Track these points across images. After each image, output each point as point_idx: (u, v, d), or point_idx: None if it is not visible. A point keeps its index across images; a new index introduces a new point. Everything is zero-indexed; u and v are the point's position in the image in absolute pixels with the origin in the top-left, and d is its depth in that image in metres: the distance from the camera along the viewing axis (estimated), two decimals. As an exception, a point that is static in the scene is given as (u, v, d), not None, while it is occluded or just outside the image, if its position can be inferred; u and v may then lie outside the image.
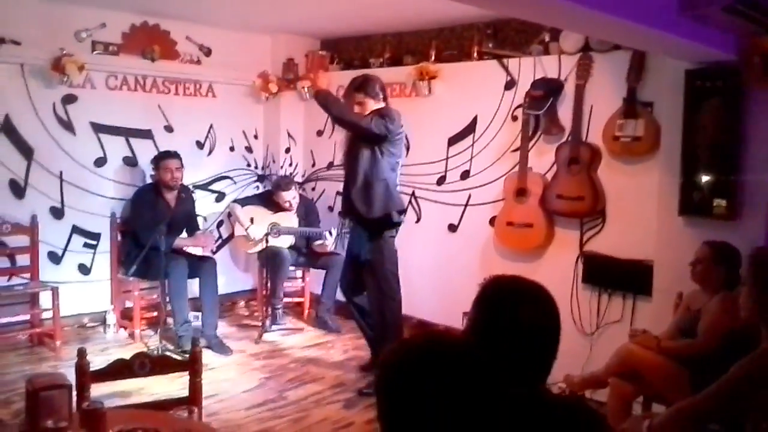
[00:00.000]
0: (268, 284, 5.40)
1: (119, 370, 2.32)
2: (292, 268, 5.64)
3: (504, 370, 1.26)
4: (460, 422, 1.13)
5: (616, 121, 4.03)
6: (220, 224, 6.03)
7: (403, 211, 4.28)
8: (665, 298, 3.68)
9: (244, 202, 5.71)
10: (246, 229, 5.48)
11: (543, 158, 4.49)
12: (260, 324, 5.34)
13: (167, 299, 4.81)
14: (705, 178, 3.58)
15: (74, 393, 2.01)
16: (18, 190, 4.85)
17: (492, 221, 4.80)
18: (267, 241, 5.30)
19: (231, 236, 6.01)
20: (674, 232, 3.70)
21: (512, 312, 1.42)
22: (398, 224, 4.28)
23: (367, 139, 4.09)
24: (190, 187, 5.21)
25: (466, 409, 1.14)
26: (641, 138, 3.95)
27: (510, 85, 4.73)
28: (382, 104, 4.20)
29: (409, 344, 1.23)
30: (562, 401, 1.82)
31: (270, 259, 5.33)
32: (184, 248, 5.07)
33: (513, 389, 1.32)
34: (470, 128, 4.99)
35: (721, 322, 3.11)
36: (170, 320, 4.91)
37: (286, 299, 5.67)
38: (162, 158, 5.03)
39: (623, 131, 4.00)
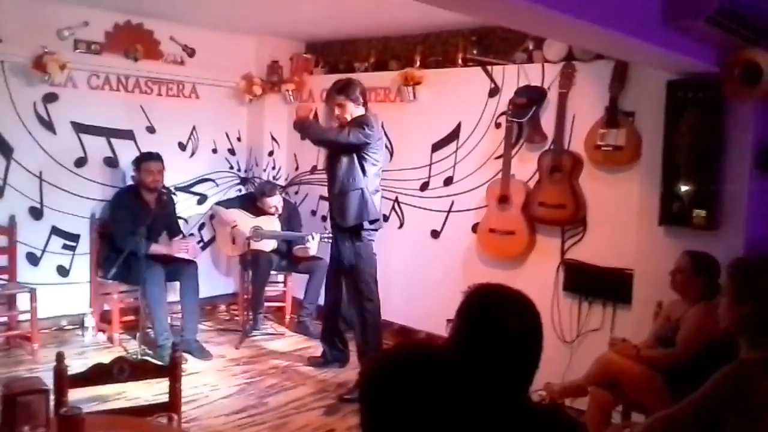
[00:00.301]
0: (250, 288, 5.37)
1: (98, 374, 2.29)
2: (273, 272, 5.61)
3: (488, 379, 1.26)
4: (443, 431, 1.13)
5: (598, 130, 4.06)
6: (201, 227, 5.99)
7: (375, 221, 4.33)
8: (645, 307, 3.70)
9: (226, 204, 5.68)
10: (232, 228, 5.43)
11: (526, 166, 4.51)
12: (241, 329, 5.30)
13: (146, 306, 4.75)
14: (685, 188, 3.60)
15: (52, 398, 1.98)
16: (-4, 189, 4.79)
17: (474, 228, 4.82)
18: (249, 245, 5.26)
19: (212, 239, 5.97)
20: (654, 241, 3.73)
21: (496, 321, 1.42)
22: (375, 229, 4.34)
23: (349, 150, 4.16)
24: (172, 188, 5.16)
25: (449, 418, 1.14)
26: (623, 147, 3.98)
27: (494, 92, 4.75)
28: (361, 109, 4.26)
29: (392, 354, 1.23)
30: (543, 410, 1.83)
31: (251, 263, 5.30)
32: (172, 254, 4.99)
33: (496, 398, 1.32)
34: (454, 134, 5.00)
35: (700, 332, 3.13)
36: (149, 323, 4.86)
37: (267, 304, 5.64)
38: (143, 160, 4.98)
39: (605, 140, 4.03)
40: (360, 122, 4.16)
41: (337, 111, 4.21)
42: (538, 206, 4.33)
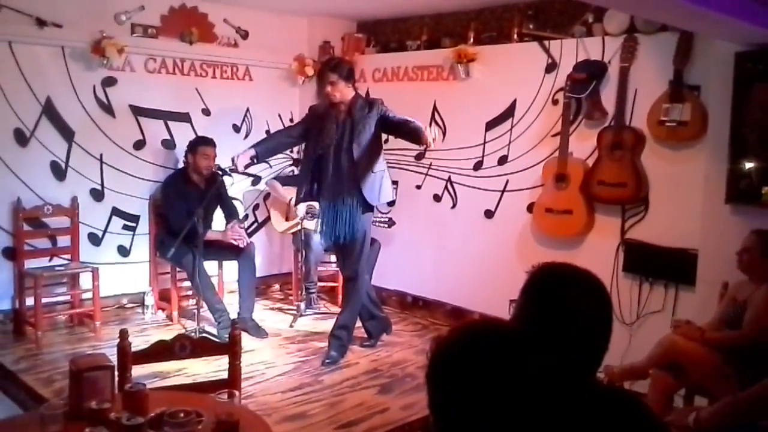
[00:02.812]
0: (303, 268, 5.41)
1: (160, 351, 2.33)
2: (326, 252, 5.63)
3: (556, 358, 1.22)
4: (512, 410, 1.10)
5: (662, 105, 3.92)
6: (255, 208, 6.05)
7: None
8: (709, 289, 3.59)
9: (283, 181, 5.71)
10: (289, 201, 5.47)
11: (584, 143, 4.39)
12: (295, 308, 5.36)
13: (196, 289, 4.80)
14: (753, 165, 3.49)
15: (116, 374, 2.03)
16: (59, 172, 4.92)
17: (530, 207, 4.73)
18: (303, 224, 5.29)
19: (267, 220, 6.03)
20: (720, 220, 3.61)
21: (564, 300, 1.37)
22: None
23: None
24: (227, 169, 5.19)
25: (518, 396, 1.11)
26: (687, 123, 3.84)
27: (551, 67, 4.63)
28: (351, 89, 4.27)
29: (461, 331, 1.20)
30: (610, 390, 1.77)
31: (305, 244, 5.34)
32: (226, 240, 5.01)
33: (565, 378, 1.28)
34: (509, 112, 4.91)
35: (769, 314, 3.02)
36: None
37: (320, 283, 5.67)
38: (199, 144, 4.99)
39: (669, 116, 3.89)
40: (374, 101, 4.29)
41: (328, 88, 4.20)
42: (597, 185, 4.22)
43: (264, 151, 4.56)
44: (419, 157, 5.52)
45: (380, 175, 4.32)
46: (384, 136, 4.42)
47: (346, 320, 4.50)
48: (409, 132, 4.13)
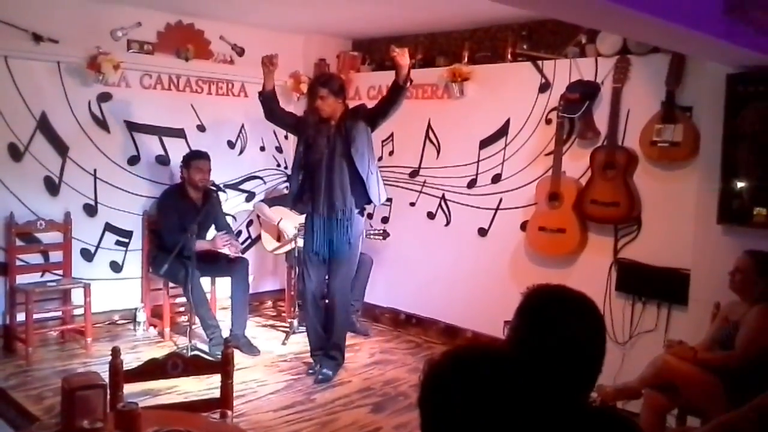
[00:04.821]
0: (296, 285, 5.40)
1: (152, 370, 2.32)
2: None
3: (548, 381, 1.23)
4: None
5: (654, 126, 3.95)
6: (249, 224, 6.05)
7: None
8: (702, 308, 3.60)
9: (271, 202, 5.72)
10: (278, 223, 5.47)
11: (577, 162, 4.42)
12: (288, 325, 5.34)
13: (190, 305, 4.78)
14: (745, 186, 3.51)
15: (107, 392, 2.01)
16: (53, 187, 4.91)
17: (523, 226, 4.74)
18: (296, 242, 5.29)
19: (259, 236, 6.03)
20: (712, 240, 3.63)
21: (557, 324, 1.38)
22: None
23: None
24: (221, 185, 5.20)
25: (509, 420, 1.11)
26: (679, 143, 3.87)
27: (544, 87, 4.67)
28: (341, 104, 4.34)
29: (453, 355, 1.20)
30: (600, 412, 1.77)
31: (297, 260, 5.32)
32: (216, 248, 5.03)
33: (556, 400, 1.28)
34: (502, 131, 4.94)
35: (761, 333, 3.04)
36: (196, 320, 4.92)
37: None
38: (193, 158, 5.01)
39: (661, 136, 3.92)
40: (358, 106, 4.43)
41: (318, 102, 4.27)
42: (590, 204, 4.24)
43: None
44: (413, 174, 5.53)
45: (377, 175, 4.40)
46: (378, 153, 4.45)
47: (338, 338, 4.50)
48: (388, 94, 4.23)
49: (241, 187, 5.97)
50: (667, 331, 3.98)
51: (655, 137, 3.94)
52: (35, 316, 4.55)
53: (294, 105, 6.12)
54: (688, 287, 3.79)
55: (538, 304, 1.42)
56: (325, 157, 4.28)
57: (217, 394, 2.40)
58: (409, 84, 4.17)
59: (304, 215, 4.54)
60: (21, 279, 4.68)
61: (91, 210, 5.11)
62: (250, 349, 4.83)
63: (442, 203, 5.36)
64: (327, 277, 4.52)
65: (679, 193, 3.94)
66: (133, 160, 5.29)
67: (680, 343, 3.30)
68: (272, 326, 5.58)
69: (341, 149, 4.26)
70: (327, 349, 4.48)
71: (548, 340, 1.36)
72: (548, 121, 4.63)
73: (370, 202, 4.40)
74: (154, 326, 5.21)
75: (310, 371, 4.50)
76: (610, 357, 4.27)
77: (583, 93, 4.32)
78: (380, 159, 4.66)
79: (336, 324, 4.48)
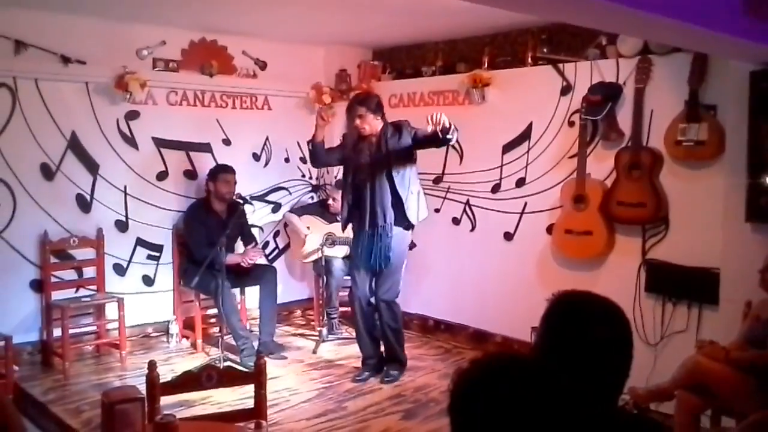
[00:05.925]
0: (324, 294, 5.45)
1: (187, 382, 2.37)
2: (346, 277, 5.66)
3: (576, 388, 1.24)
4: None
5: (678, 125, 3.93)
6: (276, 234, 6.11)
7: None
8: (733, 308, 3.56)
9: (300, 212, 5.78)
10: (305, 236, 5.54)
11: (602, 164, 4.41)
12: (317, 333, 5.39)
13: (221, 315, 4.86)
14: (773, 182, 3.47)
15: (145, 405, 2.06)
16: (84, 204, 5.02)
17: (549, 229, 4.73)
18: (323, 252, 5.34)
19: (287, 246, 6.09)
20: (741, 238, 3.59)
21: (583, 330, 1.39)
22: None
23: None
24: (248, 197, 5.28)
25: (539, 428, 1.13)
26: (705, 142, 3.84)
27: (566, 90, 4.66)
28: (380, 121, 4.40)
29: (482, 362, 1.22)
30: (630, 417, 1.78)
31: (325, 269, 5.38)
32: (247, 263, 5.09)
33: (585, 406, 1.29)
34: (525, 135, 4.94)
35: (794, 332, 3.00)
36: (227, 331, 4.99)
37: (342, 308, 5.69)
38: (220, 171, 5.12)
39: (686, 135, 3.90)
40: (400, 124, 4.40)
41: (357, 121, 4.35)
42: (616, 205, 4.22)
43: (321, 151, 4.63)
44: (437, 180, 5.56)
45: (418, 194, 4.46)
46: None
47: (391, 344, 4.61)
48: (431, 141, 4.24)
49: (267, 198, 6.04)
50: (699, 331, 3.94)
51: (680, 137, 3.92)
52: (71, 331, 4.66)
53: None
54: (718, 286, 3.76)
55: (562, 312, 1.44)
56: (368, 176, 4.36)
57: (249, 403, 2.45)
58: (455, 135, 4.16)
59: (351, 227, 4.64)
60: (56, 295, 4.79)
61: (122, 226, 5.22)
62: (278, 349, 4.99)
63: (467, 209, 5.37)
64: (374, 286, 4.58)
65: (706, 192, 3.91)
66: (162, 176, 5.39)
67: (711, 344, 3.27)
68: (302, 335, 5.63)
69: (383, 167, 4.33)
70: (389, 356, 4.62)
71: (574, 346, 1.38)
72: (571, 124, 4.62)
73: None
74: (187, 338, 5.29)
75: (358, 378, 4.57)
76: (642, 358, 4.25)
77: (605, 95, 4.31)
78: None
79: (384, 331, 4.57)
